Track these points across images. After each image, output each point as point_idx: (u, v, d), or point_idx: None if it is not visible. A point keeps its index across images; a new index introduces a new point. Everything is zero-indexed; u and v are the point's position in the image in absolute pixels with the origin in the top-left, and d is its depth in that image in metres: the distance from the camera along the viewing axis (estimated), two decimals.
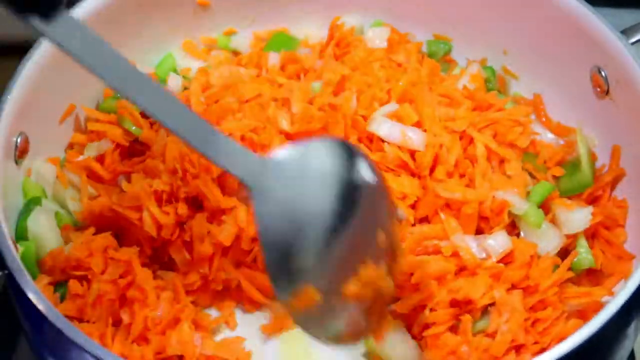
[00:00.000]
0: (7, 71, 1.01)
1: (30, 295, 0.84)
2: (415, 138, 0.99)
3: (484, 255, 0.96)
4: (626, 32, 1.05)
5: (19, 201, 1.01)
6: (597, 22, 1.05)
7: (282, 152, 0.73)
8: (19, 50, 1.02)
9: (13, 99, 0.98)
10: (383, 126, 1.00)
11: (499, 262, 0.96)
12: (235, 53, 1.21)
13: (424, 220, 1.00)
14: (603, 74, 1.06)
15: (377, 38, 1.17)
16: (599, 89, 1.08)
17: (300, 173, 0.72)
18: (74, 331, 0.82)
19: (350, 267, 0.75)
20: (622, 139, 1.06)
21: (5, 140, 0.98)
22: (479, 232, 0.99)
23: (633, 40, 1.05)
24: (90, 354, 0.81)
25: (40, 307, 0.84)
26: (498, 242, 0.97)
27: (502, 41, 1.19)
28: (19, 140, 1.00)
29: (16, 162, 1.00)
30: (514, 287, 0.95)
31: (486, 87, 1.15)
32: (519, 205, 0.99)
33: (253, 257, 0.99)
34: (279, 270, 0.72)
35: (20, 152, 1.01)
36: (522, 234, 1.00)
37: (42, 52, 1.01)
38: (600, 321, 0.82)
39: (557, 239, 1.00)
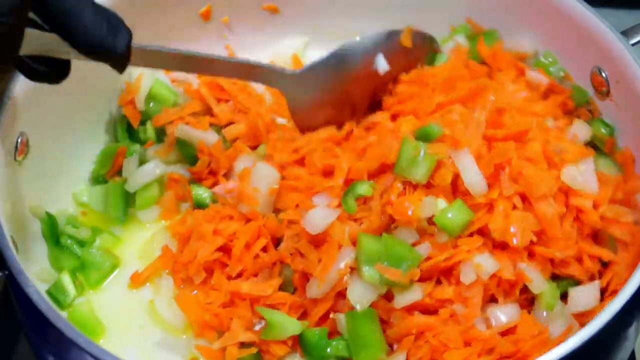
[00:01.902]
0: None
1: (31, 296, 0.85)
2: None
3: (484, 328, 0.93)
4: (626, 33, 1.05)
5: (20, 201, 1.01)
6: (597, 22, 1.05)
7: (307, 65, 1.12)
8: None
9: (13, 99, 0.98)
10: None
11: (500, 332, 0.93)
12: None
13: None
14: (603, 74, 1.06)
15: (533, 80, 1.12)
16: (599, 90, 1.08)
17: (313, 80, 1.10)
18: (74, 331, 0.82)
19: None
20: (623, 139, 1.06)
21: (6, 141, 0.98)
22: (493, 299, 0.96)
23: (633, 41, 1.05)
24: (90, 354, 0.81)
25: (40, 307, 0.84)
26: (505, 313, 0.93)
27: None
28: (19, 140, 1.00)
29: (16, 162, 1.01)
30: (502, 357, 0.91)
31: None
32: (538, 283, 0.94)
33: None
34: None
35: (20, 152, 1.01)
36: (534, 309, 0.96)
37: None
38: (600, 322, 0.82)
39: (566, 326, 0.94)
